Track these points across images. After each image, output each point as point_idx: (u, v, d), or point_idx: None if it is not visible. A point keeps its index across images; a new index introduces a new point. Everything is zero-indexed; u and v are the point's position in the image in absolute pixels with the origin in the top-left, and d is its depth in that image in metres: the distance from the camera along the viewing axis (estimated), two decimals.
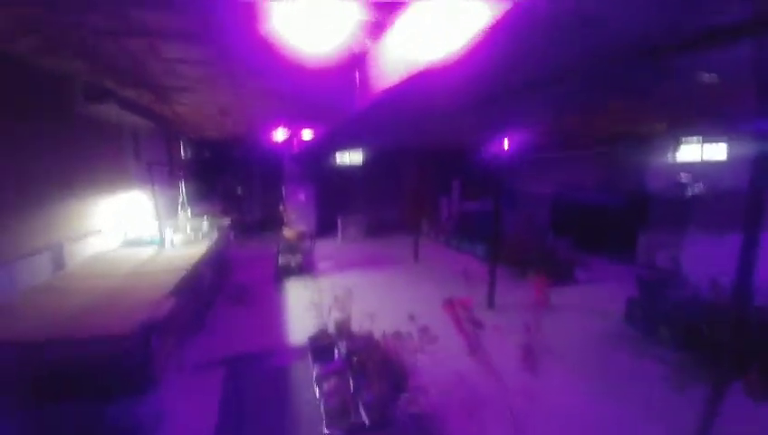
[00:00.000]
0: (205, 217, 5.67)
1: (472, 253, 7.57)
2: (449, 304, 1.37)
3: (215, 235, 4.95)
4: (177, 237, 4.51)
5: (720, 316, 3.48)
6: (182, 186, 6.20)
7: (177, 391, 3.21)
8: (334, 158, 9.13)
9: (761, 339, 3.33)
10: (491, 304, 5.05)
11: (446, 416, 2.80)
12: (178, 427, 2.79)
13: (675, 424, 2.75)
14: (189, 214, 5.96)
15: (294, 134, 6.27)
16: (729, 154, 5.74)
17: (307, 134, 5.86)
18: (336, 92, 3.55)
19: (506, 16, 1.42)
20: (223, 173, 9.45)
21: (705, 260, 4.95)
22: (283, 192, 8.83)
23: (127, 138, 5.00)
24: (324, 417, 2.83)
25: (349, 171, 10.13)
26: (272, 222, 8.64)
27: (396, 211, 11.18)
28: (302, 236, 6.58)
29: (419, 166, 10.94)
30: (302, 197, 8.81)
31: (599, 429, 2.85)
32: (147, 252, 4.10)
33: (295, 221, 7.06)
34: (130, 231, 4.59)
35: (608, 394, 3.26)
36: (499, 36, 1.58)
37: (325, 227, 9.57)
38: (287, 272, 6.31)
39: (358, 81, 2.96)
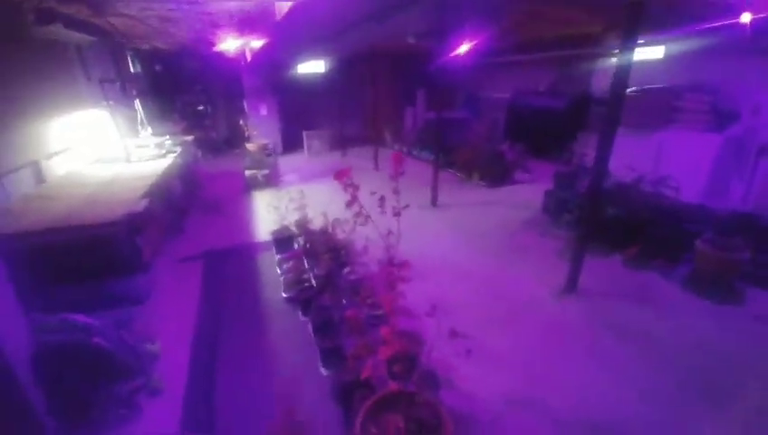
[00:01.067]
0: (167, 135, 5.93)
1: (431, 161, 8.15)
2: (339, 173, 1.96)
3: (179, 150, 5.32)
4: (143, 153, 4.88)
5: (602, 201, 4.30)
6: (138, 103, 6.29)
7: (166, 274, 3.96)
8: (295, 69, 8.97)
9: (648, 222, 4.19)
10: (434, 202, 5.82)
11: (372, 278, 3.63)
12: (169, 296, 3.58)
13: (550, 281, 3.67)
14: (151, 132, 6.18)
15: (246, 43, 6.23)
16: (665, 55, 6.09)
17: (257, 43, 5.87)
18: (258, 10, 3.70)
19: None
20: (181, 89, 9.24)
21: (624, 155, 5.68)
22: (245, 107, 8.85)
23: (75, 57, 5.00)
24: (283, 286, 3.67)
25: (312, 83, 10.00)
26: (238, 139, 8.82)
27: (361, 123, 11.38)
28: (265, 150, 6.95)
29: (383, 76, 10.86)
30: (263, 111, 8.88)
31: (483, 279, 3.78)
32: (116, 167, 4.52)
33: (259, 136, 7.34)
34: (97, 149, 4.91)
35: (502, 260, 4.19)
36: None
37: (291, 142, 9.84)
38: (255, 184, 6.83)
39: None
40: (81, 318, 2.31)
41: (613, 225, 4.21)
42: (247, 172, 6.84)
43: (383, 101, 11.23)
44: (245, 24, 5.39)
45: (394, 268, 1.94)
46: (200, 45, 7.32)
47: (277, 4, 4.24)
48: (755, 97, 5.19)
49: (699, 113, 5.50)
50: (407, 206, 2.33)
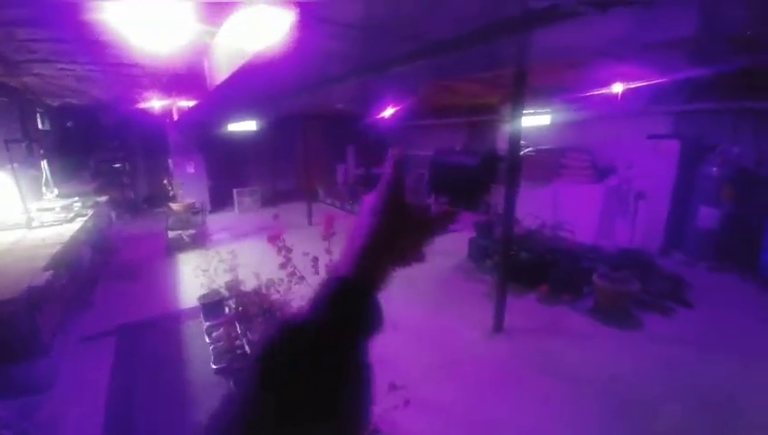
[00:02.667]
0: (76, 196, 5.43)
1: None
2: (272, 236, 2.03)
3: (88, 213, 4.88)
4: (47, 217, 4.39)
5: (516, 247, 4.85)
6: (44, 163, 5.74)
7: (70, 357, 3.47)
8: (224, 127, 8.97)
9: (553, 263, 4.77)
10: None
11: None
12: (77, 381, 3.12)
13: (482, 323, 3.94)
14: (57, 193, 5.61)
15: (173, 103, 6.17)
16: (552, 121, 7.29)
17: (186, 103, 5.86)
18: (189, 73, 3.84)
19: (299, 22, 1.97)
20: (95, 146, 8.63)
21: (529, 205, 6.49)
22: (170, 165, 8.50)
23: None
24: (212, 356, 3.41)
25: (243, 141, 10.01)
26: (160, 198, 8.33)
27: (293, 180, 11.51)
28: (191, 209, 6.66)
29: (314, 134, 11.31)
30: (190, 169, 8.60)
31: (418, 327, 3.94)
32: (16, 234, 3.99)
33: (184, 195, 7.03)
34: None
35: (434, 306, 4.43)
36: (299, 35, 2.12)
37: (220, 200, 9.54)
38: (179, 246, 6.43)
39: (207, 68, 3.33)
40: None
41: (526, 267, 4.73)
42: (171, 233, 6.43)
43: (315, 157, 11.57)
44: (173, 85, 5.40)
45: None
46: (120, 103, 7.06)
47: (207, 66, 4.38)
48: (628, 153, 6.42)
49: (582, 169, 6.61)
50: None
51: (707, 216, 5.30)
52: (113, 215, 8.11)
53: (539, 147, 7.22)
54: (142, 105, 6.97)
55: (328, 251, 2.30)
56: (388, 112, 8.42)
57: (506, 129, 3.80)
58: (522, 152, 7.30)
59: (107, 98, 6.74)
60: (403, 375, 3.21)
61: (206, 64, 3.34)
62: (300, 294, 3.39)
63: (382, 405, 2.64)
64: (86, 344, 3.75)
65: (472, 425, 2.71)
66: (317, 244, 2.36)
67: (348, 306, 0.44)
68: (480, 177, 8.36)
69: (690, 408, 2.80)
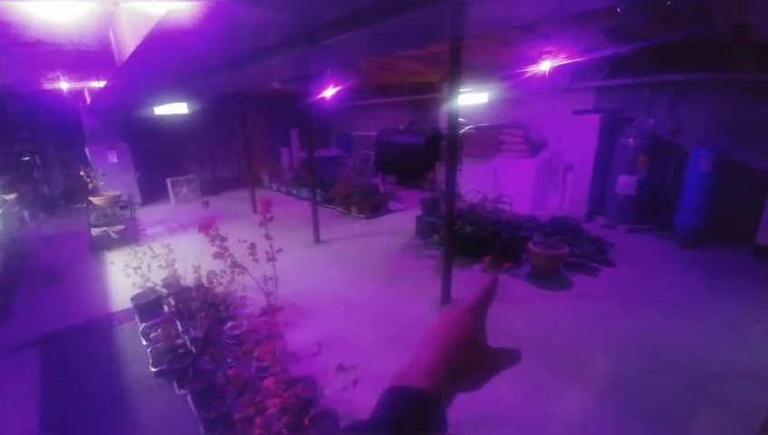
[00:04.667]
0: None
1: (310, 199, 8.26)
2: (204, 226, 1.93)
3: None
4: None
5: (460, 221, 5.03)
6: None
7: None
8: (150, 111, 8.17)
9: (494, 235, 5.01)
10: (317, 239, 5.91)
11: (256, 328, 3.49)
12: (1, 399, 2.79)
13: (431, 297, 4.07)
14: None
15: (84, 85, 5.49)
16: (489, 99, 7.52)
17: (97, 84, 5.24)
18: (97, 49, 3.43)
19: None
20: (1, 138, 7.50)
21: (471, 181, 6.73)
22: (88, 155, 7.63)
23: None
24: (151, 358, 3.21)
25: (174, 127, 9.24)
26: (79, 192, 7.49)
27: (234, 166, 10.92)
28: (117, 203, 6.08)
29: (255, 117, 10.73)
30: (113, 158, 7.79)
31: (370, 306, 4.01)
32: None
33: (108, 187, 6.37)
34: None
35: (384, 283, 4.51)
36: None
37: (152, 191, 8.81)
38: (106, 244, 5.88)
39: (113, 42, 2.99)
40: None
41: (470, 240, 4.94)
42: (94, 230, 5.85)
43: (257, 141, 11.01)
44: (81, 65, 4.80)
45: (268, 316, 1.96)
46: (26, 86, 6.16)
47: (114, 44, 3.91)
48: (557, 128, 6.84)
49: (517, 144, 6.96)
50: (279, 250, 2.37)
51: (625, 183, 5.85)
52: (26, 214, 7.21)
53: (478, 124, 7.46)
54: (50, 88, 6.14)
55: (267, 237, 2.21)
56: (329, 92, 8.18)
57: (446, 107, 3.87)
58: (462, 130, 7.54)
59: (11, 82, 5.83)
60: (357, 354, 3.26)
61: (112, 38, 2.97)
62: (244, 283, 3.29)
63: (333, 387, 2.67)
64: (7, 357, 3.35)
65: None
66: (261, 234, 2.27)
67: (421, 420, 0.43)
68: (424, 155, 8.49)
69: (615, 355, 3.15)
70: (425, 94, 8.57)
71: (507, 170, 6.96)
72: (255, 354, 3.03)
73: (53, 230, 7.11)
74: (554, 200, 6.98)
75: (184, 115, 8.22)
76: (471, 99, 6.86)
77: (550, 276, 4.41)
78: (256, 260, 2.28)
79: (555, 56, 4.98)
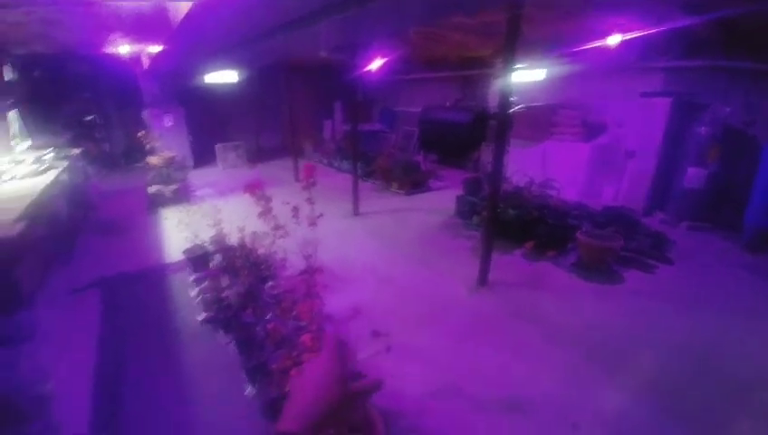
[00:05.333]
0: (48, 149, 5.14)
1: (351, 172, 8.31)
2: (250, 185, 1.98)
3: (61, 165, 4.65)
4: (19, 170, 4.17)
5: (504, 204, 4.85)
6: (11, 115, 5.37)
7: (56, 307, 3.44)
8: (203, 78, 8.45)
9: (539, 220, 4.80)
10: (356, 212, 5.95)
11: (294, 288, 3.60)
12: (62, 332, 3.11)
13: (467, 277, 4.00)
14: (29, 145, 5.30)
15: (141, 49, 5.74)
16: (546, 77, 7.07)
17: (154, 49, 5.45)
18: (153, 13, 3.52)
19: None
20: (66, 97, 8.10)
21: (518, 163, 6.45)
22: (145, 117, 8.08)
23: None
24: (199, 306, 3.43)
25: (225, 94, 9.51)
26: (138, 152, 7.98)
27: (279, 135, 11.15)
28: (171, 164, 6.42)
29: (301, 88, 10.81)
30: (169, 122, 8.20)
31: (405, 281, 4.00)
32: None
33: (163, 148, 6.74)
34: None
35: (420, 261, 4.48)
36: None
37: (203, 155, 9.22)
38: (161, 201, 6.26)
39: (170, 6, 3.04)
40: None
41: (513, 223, 4.76)
42: (151, 189, 6.24)
43: (301, 112, 11.14)
44: (139, 27, 4.99)
45: (308, 276, 1.99)
46: (88, 49, 6.55)
47: (172, 5, 4.00)
48: (620, 111, 6.31)
49: (572, 127, 6.53)
50: (320, 215, 2.39)
51: (694, 176, 5.34)
52: (90, 170, 7.79)
53: (531, 104, 7.06)
54: (111, 51, 6.48)
55: (309, 202, 2.24)
56: (375, 65, 8.04)
57: (498, 84, 3.66)
58: (513, 109, 7.17)
59: (74, 43, 6.21)
60: (388, 326, 3.29)
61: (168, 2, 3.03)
62: (285, 247, 3.38)
63: (366, 352, 2.72)
64: (73, 296, 3.71)
65: (452, 368, 2.82)
66: (303, 199, 2.30)
67: None
68: (470, 134, 8.21)
69: (661, 355, 2.96)
70: (475, 70, 8.20)
71: (558, 154, 6.58)
72: (294, 313, 3.16)
73: (114, 186, 7.67)
74: (609, 190, 6.53)
75: (233, 84, 8.42)
76: (524, 76, 6.47)
77: (598, 269, 4.18)
78: (298, 223, 2.32)
79: (623, 30, 4.53)
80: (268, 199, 2.16)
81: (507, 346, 3.06)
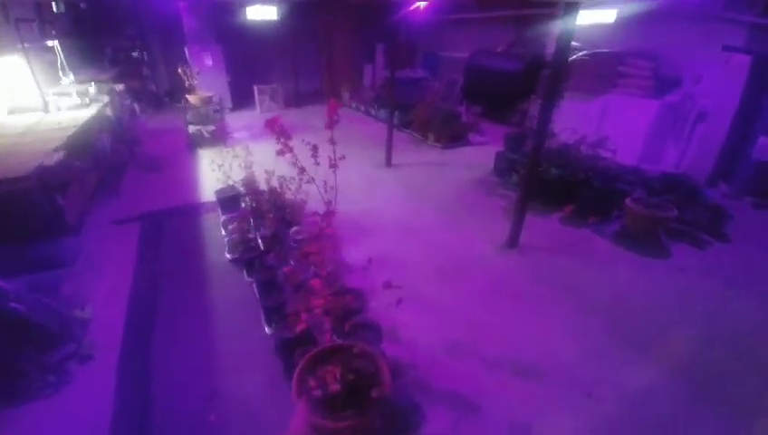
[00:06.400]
0: (92, 83, 5.29)
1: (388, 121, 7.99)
2: (269, 121, 1.89)
3: (105, 99, 4.78)
4: (63, 102, 4.34)
5: (547, 162, 4.46)
6: (58, 47, 5.52)
7: (99, 236, 3.70)
8: (243, 14, 8.17)
9: (584, 182, 4.39)
10: (388, 162, 5.77)
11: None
12: (103, 260, 3.36)
13: (497, 237, 3.81)
14: (73, 79, 5.48)
15: None
16: (616, 19, 6.13)
17: None
18: None
19: None
20: (111, 32, 8.19)
21: (571, 118, 5.85)
22: (187, 55, 8.06)
23: None
24: (227, 246, 3.54)
25: (263, 33, 9.23)
26: (182, 91, 8.11)
27: (317, 80, 10.83)
28: (209, 103, 6.45)
29: (341, 29, 10.27)
30: (208, 61, 8.15)
31: (432, 236, 3.88)
32: (33, 118, 3.99)
33: (203, 87, 6.76)
34: (13, 99, 4.29)
35: (450, 217, 4.31)
36: None
37: (241, 97, 9.21)
38: (200, 141, 6.39)
39: None
40: None
41: (554, 184, 4.40)
42: (191, 128, 6.36)
43: (341, 56, 10.68)
44: None
45: (320, 218, 1.91)
46: None
47: None
48: (698, 65, 5.43)
49: (642, 79, 5.72)
50: (342, 157, 2.27)
51: (766, 147, 4.60)
52: (137, 107, 8.06)
53: (596, 50, 6.22)
54: None
55: (331, 141, 2.12)
56: (422, 3, 7.35)
57: (557, 26, 3.15)
58: (573, 57, 6.39)
59: None
60: (408, 276, 3.24)
61: None
62: (310, 194, 3.34)
63: (380, 301, 2.69)
64: (114, 227, 3.96)
65: (468, 326, 2.75)
66: (337, 146, 2.17)
67: None
68: (520, 85, 7.50)
69: (699, 337, 2.70)
70: (532, 9, 7.28)
71: (619, 110, 5.86)
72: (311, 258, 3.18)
73: (159, 124, 7.92)
74: (672, 153, 5.82)
75: (273, 22, 8.10)
76: (590, 17, 5.65)
77: (644, 240, 3.82)
78: (318, 163, 2.22)
79: None
80: (288, 136, 2.05)
81: (530, 311, 2.92)
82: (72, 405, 2.18)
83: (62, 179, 2.90)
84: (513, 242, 3.72)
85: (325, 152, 2.28)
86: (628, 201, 3.89)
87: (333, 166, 2.24)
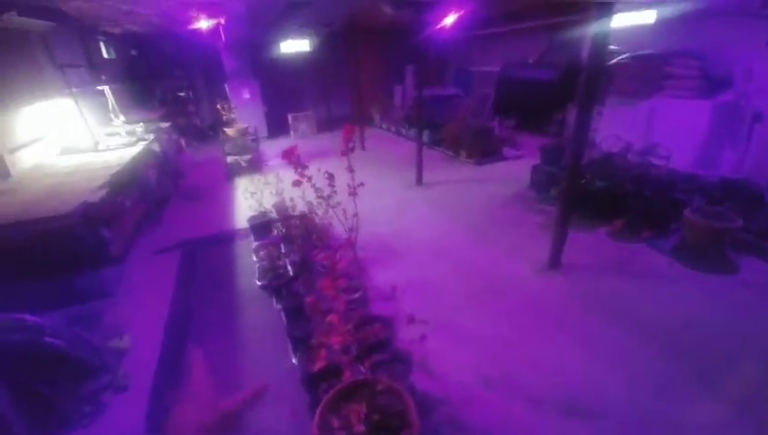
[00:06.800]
0: (141, 122, 5.74)
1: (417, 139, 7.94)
2: (286, 152, 1.87)
3: (150, 137, 5.13)
4: (113, 141, 4.71)
5: (590, 174, 4.15)
6: (108, 90, 6.05)
7: (141, 266, 3.89)
8: (277, 48, 8.64)
9: (634, 193, 4.04)
10: (419, 181, 5.67)
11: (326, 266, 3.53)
12: (144, 289, 3.50)
13: (536, 257, 3.55)
14: (123, 120, 5.98)
15: (218, 22, 5.97)
16: (656, 19, 5.77)
17: (225, 20, 5.62)
18: None
19: None
20: (160, 74, 8.94)
21: (615, 125, 5.49)
22: (227, 91, 8.59)
23: (39, 44, 4.77)
24: (258, 273, 3.57)
25: (296, 64, 9.68)
26: (223, 124, 8.62)
27: (348, 104, 11.09)
28: (246, 134, 6.75)
29: (369, 54, 10.51)
30: (246, 94, 8.62)
31: (465, 257, 3.67)
32: (84, 157, 4.35)
33: (240, 120, 7.12)
34: (66, 140, 4.74)
35: (483, 235, 4.09)
36: None
37: (276, 126, 9.60)
38: (237, 170, 6.68)
39: None
40: (30, 318, 2.21)
41: (598, 197, 4.07)
42: (229, 158, 6.67)
43: (371, 79, 10.89)
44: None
45: (332, 252, 1.83)
46: (171, 25, 7.02)
47: None
48: (748, 62, 4.94)
49: (689, 79, 5.27)
50: (361, 184, 2.21)
51: None
52: (183, 142, 8.63)
53: (637, 52, 5.85)
54: (194, 27, 6.85)
55: (349, 169, 2.07)
56: (449, 20, 7.36)
57: (592, 30, 2.96)
58: (613, 60, 6.04)
59: (157, 19, 6.71)
60: (439, 302, 3.07)
61: None
62: (338, 219, 3.31)
63: (409, 329, 2.54)
64: (155, 257, 4.15)
65: (506, 357, 2.52)
66: (367, 168, 2.13)
67: None
68: (555, 94, 7.20)
69: None
70: (564, 16, 7.03)
71: (669, 114, 5.41)
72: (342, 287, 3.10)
73: (202, 156, 8.41)
74: (729, 157, 5.24)
75: (305, 54, 8.48)
76: (629, 19, 5.34)
77: (707, 255, 3.39)
78: (335, 192, 2.17)
79: None
80: (304, 166, 2.04)
81: (577, 339, 2.64)
82: (109, 432, 2.23)
83: (106, 214, 3.08)
84: (554, 261, 3.44)
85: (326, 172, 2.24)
86: (686, 212, 3.50)
87: (353, 194, 2.18)
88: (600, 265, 3.47)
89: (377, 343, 2.38)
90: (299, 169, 2.06)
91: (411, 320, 1.74)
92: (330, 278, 1.64)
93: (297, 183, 2.01)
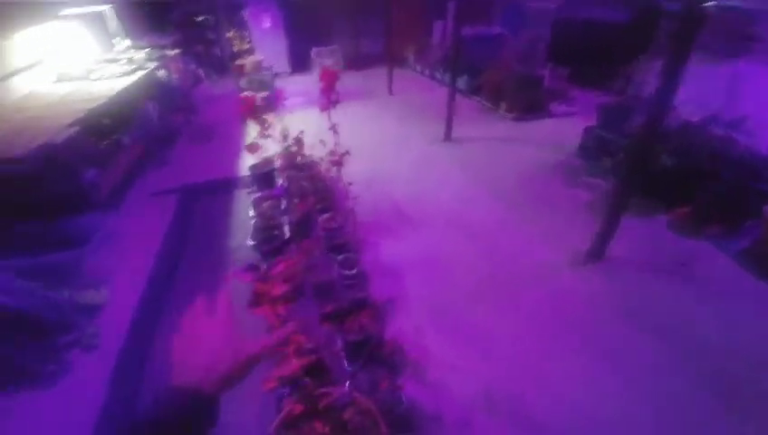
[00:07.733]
0: (148, 48, 5.22)
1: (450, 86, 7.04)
2: (324, 74, 1.39)
3: (151, 65, 4.63)
4: (109, 69, 4.26)
5: (660, 146, 3.35)
6: (108, 10, 5.48)
7: (135, 211, 3.64)
8: None
9: (710, 176, 3.24)
10: (447, 136, 4.98)
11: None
12: (134, 235, 3.27)
13: (575, 244, 2.96)
14: (129, 45, 5.47)
15: None
16: None
17: None
18: None
19: None
20: None
21: (689, 86, 4.46)
22: (246, 18, 7.80)
23: None
24: (251, 230, 3.22)
25: None
26: (235, 56, 7.96)
27: (380, 41, 9.98)
28: (259, 68, 6.13)
29: None
30: (267, 23, 7.81)
31: (489, 234, 3.15)
32: (73, 86, 3.95)
33: (257, 51, 6.46)
34: (63, 66, 4.34)
35: (516, 212, 3.49)
36: None
37: (299, 61, 8.81)
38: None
39: None
40: None
41: (665, 176, 3.32)
42: (243, 95, 6.13)
43: (407, 12, 9.64)
44: None
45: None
46: None
47: None
48: None
49: None
50: (346, 152, 1.70)
51: None
52: (201, 73, 8.10)
53: (722, 2, 4.59)
54: None
55: (333, 130, 1.56)
56: None
57: None
58: (708, 3, 4.78)
59: None
60: (450, 289, 2.63)
61: None
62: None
63: (408, 318, 2.14)
64: (151, 200, 3.88)
65: (520, 371, 2.10)
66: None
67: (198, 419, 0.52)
68: (627, 40, 5.99)
69: None
70: None
71: (758, 80, 4.29)
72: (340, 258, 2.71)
73: (220, 90, 7.89)
74: None
75: None
76: None
77: None
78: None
79: None
80: (268, 126, 1.55)
81: (611, 357, 2.16)
82: (72, 394, 2.08)
83: (76, 156, 2.73)
84: (596, 252, 2.85)
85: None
86: (766, 208, 2.76)
87: (337, 163, 1.68)
88: (652, 263, 2.86)
89: (363, 339, 2.01)
90: (266, 128, 1.57)
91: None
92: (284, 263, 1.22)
93: (254, 148, 1.54)
